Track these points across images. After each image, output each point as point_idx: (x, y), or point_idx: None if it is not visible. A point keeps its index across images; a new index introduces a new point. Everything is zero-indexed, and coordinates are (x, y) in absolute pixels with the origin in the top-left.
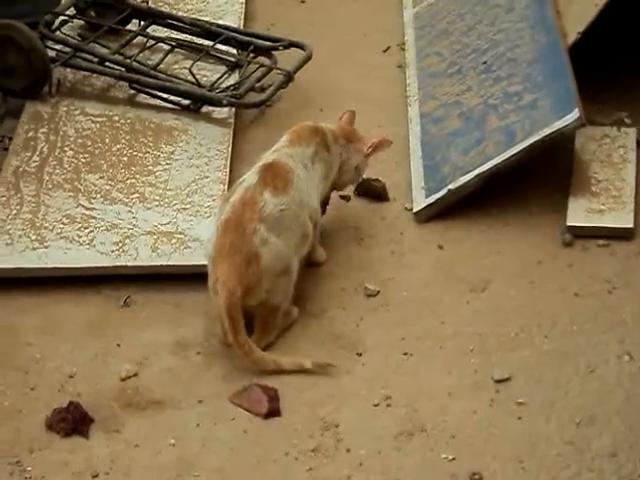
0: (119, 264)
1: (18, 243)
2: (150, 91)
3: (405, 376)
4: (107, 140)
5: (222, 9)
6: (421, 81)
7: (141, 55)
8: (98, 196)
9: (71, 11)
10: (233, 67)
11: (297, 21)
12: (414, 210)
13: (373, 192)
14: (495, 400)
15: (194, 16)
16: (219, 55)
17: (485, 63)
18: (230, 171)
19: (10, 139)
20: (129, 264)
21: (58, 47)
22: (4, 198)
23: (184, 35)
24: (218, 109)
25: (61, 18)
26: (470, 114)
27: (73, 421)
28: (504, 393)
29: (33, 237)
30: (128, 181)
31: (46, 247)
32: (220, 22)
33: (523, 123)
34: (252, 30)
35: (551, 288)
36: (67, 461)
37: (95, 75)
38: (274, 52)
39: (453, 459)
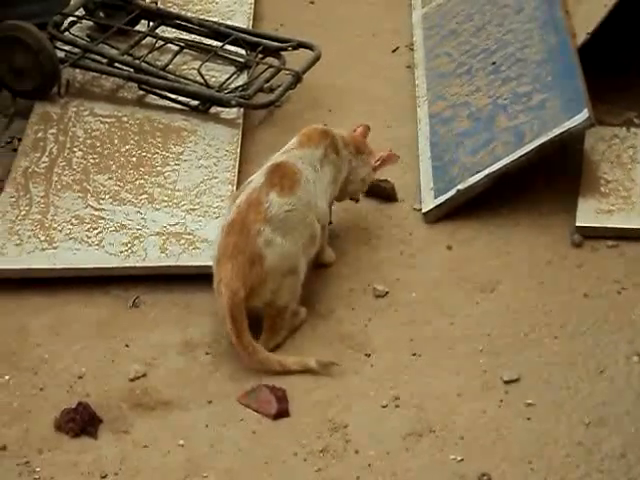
0: (128, 265)
1: (27, 244)
2: (159, 92)
3: (414, 377)
4: (116, 141)
5: (231, 10)
6: (430, 81)
7: (150, 56)
8: (107, 197)
9: (80, 12)
10: (242, 68)
11: (306, 22)
12: (423, 211)
13: (382, 193)
14: (504, 401)
15: (203, 17)
16: (228, 56)
17: (494, 63)
18: (239, 172)
19: (19, 140)
20: (138, 265)
21: (67, 48)
22: (13, 199)
23: (193, 36)
24: (227, 110)
25: (70, 19)
26: (479, 114)
27: (82, 422)
28: (513, 394)
29: (42, 238)
30: (137, 182)
31: (55, 248)
32: (229, 23)
33: (532, 123)
34: (261, 31)
35: (560, 289)
36: (76, 462)
37: (104, 76)
38: (283, 53)
39: (462, 460)
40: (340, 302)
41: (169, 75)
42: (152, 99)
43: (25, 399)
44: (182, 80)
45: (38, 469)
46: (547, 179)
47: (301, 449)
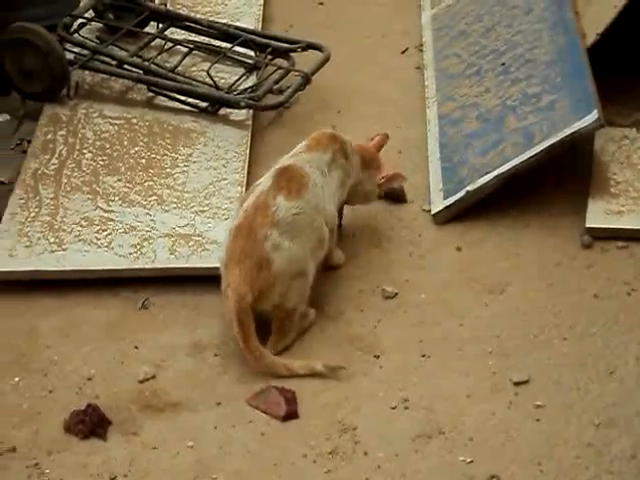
0: (137, 266)
1: (37, 246)
2: (168, 93)
3: (423, 378)
4: (125, 142)
5: (240, 11)
6: (439, 82)
7: (159, 57)
8: (116, 198)
9: (89, 14)
10: (251, 69)
11: (315, 23)
12: (432, 212)
13: (391, 194)
14: (513, 402)
15: (212, 18)
16: (237, 57)
17: (503, 64)
18: (248, 173)
19: (29, 142)
20: (147, 266)
21: (76, 50)
22: (23, 201)
23: (202, 37)
24: (236, 111)
25: (79, 21)
26: (488, 115)
27: (91, 423)
28: (522, 395)
29: (52, 240)
30: (146, 183)
31: (64, 250)
32: (238, 24)
33: (542, 124)
34: (270, 32)
35: (570, 290)
36: (85, 463)
37: (113, 78)
38: (292, 54)
39: (471, 462)
40: (349, 304)
41: (178, 77)
42: (161, 101)
43: (34, 401)
44: (191, 82)
45: (47, 471)
46: (557, 180)
47: (310, 451)
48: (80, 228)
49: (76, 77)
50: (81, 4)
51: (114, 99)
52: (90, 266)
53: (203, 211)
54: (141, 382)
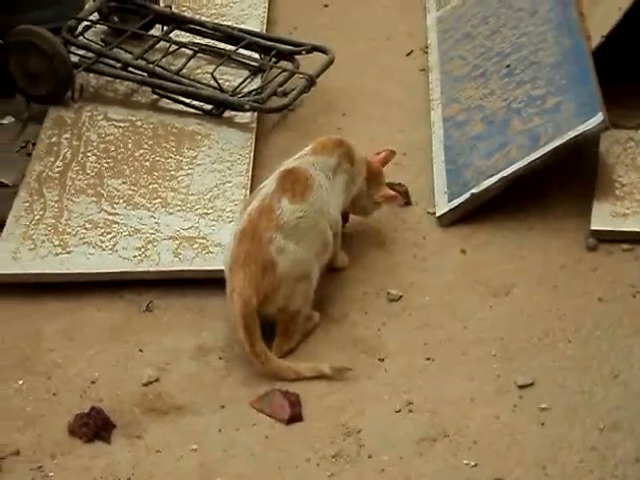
0: (141, 269)
1: (41, 248)
2: (173, 96)
3: (427, 381)
4: (130, 145)
5: (245, 13)
6: (444, 85)
7: (164, 60)
8: (121, 201)
9: (94, 16)
10: (255, 72)
11: (320, 25)
12: (437, 214)
13: None
14: (518, 406)
15: (217, 21)
16: (242, 60)
17: (508, 66)
18: (252, 176)
19: (33, 144)
20: (151, 269)
21: (81, 52)
22: (27, 203)
23: (207, 40)
24: (240, 114)
25: (84, 23)
26: (493, 118)
27: (95, 426)
28: (527, 399)
29: (56, 242)
30: (150, 186)
31: (69, 252)
32: (243, 27)
33: (547, 127)
34: (275, 34)
35: (575, 293)
36: (89, 467)
37: (118, 80)
38: (297, 56)
39: (475, 465)
40: (353, 306)
41: (183, 79)
42: (166, 103)
43: (38, 404)
44: (196, 84)
45: (51, 474)
46: (562, 182)
47: (314, 454)
48: (84, 231)
49: (81, 80)
50: (86, 7)
51: (119, 102)
52: (94, 269)
53: (207, 214)
54: (145, 385)
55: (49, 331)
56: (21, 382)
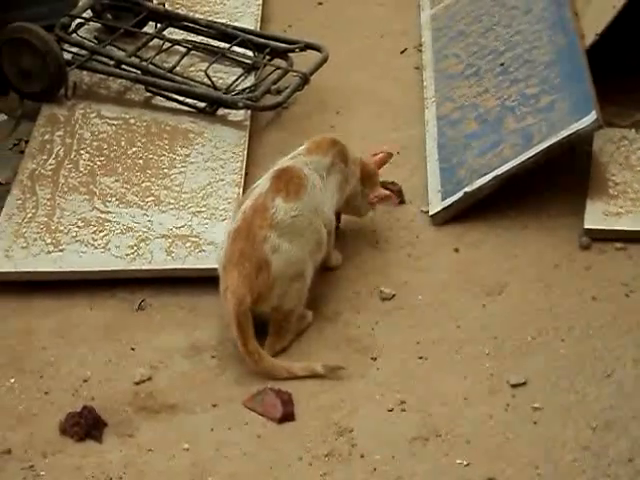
0: (134, 267)
1: (33, 246)
2: (166, 94)
3: (420, 380)
4: (123, 143)
5: (239, 11)
6: (438, 83)
7: (157, 57)
8: (113, 199)
9: (88, 13)
10: (249, 69)
11: (313, 23)
12: (430, 213)
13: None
14: (511, 405)
15: (210, 18)
16: (235, 57)
17: (502, 65)
18: (246, 174)
19: (26, 142)
20: (144, 267)
21: (74, 50)
22: (20, 201)
23: (200, 37)
24: (234, 112)
25: (78, 21)
26: (487, 116)
27: (87, 426)
28: (520, 398)
29: (48, 240)
30: (143, 184)
31: (61, 251)
32: (236, 24)
33: (540, 125)
34: (268, 32)
35: (568, 291)
36: (80, 466)
37: (111, 78)
38: (290, 54)
39: (468, 464)
40: (346, 305)
41: (176, 77)
42: (159, 101)
43: (30, 402)
44: (189, 82)
45: (42, 473)
46: (555, 181)
47: (306, 453)
48: (77, 229)
49: (74, 77)
50: (79, 4)
51: (112, 99)
52: (87, 267)
53: (200, 212)
54: (137, 384)
55: (41, 329)
56: (13, 380)
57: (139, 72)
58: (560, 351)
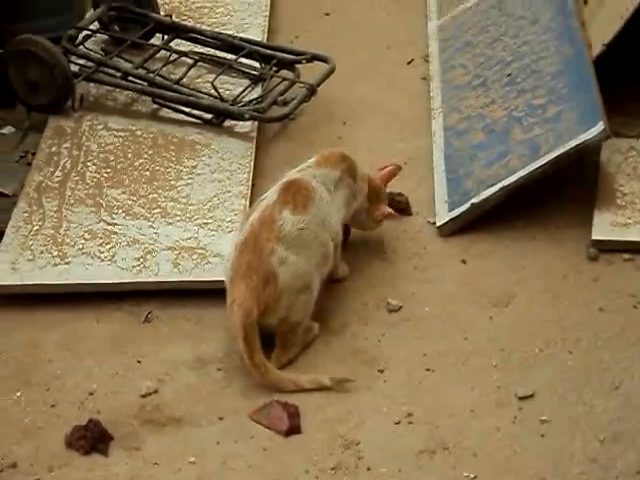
0: (140, 280)
1: (39, 259)
2: (173, 105)
3: (427, 393)
4: (130, 155)
5: (245, 22)
6: (445, 94)
7: (164, 69)
8: (120, 211)
9: (95, 25)
10: (256, 81)
11: (320, 34)
12: (437, 224)
13: (396, 206)
14: (518, 417)
15: (217, 30)
16: (242, 69)
17: (509, 75)
18: (252, 185)
19: (33, 154)
20: (150, 280)
21: (81, 62)
22: (26, 214)
23: (207, 49)
24: (241, 123)
25: (84, 32)
26: (494, 127)
27: (92, 439)
28: (527, 410)
29: (55, 253)
30: (150, 196)
31: (67, 263)
32: (243, 35)
33: (547, 136)
34: (275, 43)
35: (576, 303)
36: (86, 479)
37: (118, 90)
38: (297, 65)
39: (475, 477)
40: (353, 317)
41: (183, 88)
42: (166, 113)
43: (36, 416)
44: (196, 93)
45: None
46: (562, 192)
47: (313, 466)
48: (83, 241)
49: (81, 89)
50: (86, 16)
51: (119, 111)
52: (93, 279)
53: (207, 224)
54: (143, 397)
55: (47, 342)
56: (19, 394)
57: (146, 84)
58: (568, 363)
